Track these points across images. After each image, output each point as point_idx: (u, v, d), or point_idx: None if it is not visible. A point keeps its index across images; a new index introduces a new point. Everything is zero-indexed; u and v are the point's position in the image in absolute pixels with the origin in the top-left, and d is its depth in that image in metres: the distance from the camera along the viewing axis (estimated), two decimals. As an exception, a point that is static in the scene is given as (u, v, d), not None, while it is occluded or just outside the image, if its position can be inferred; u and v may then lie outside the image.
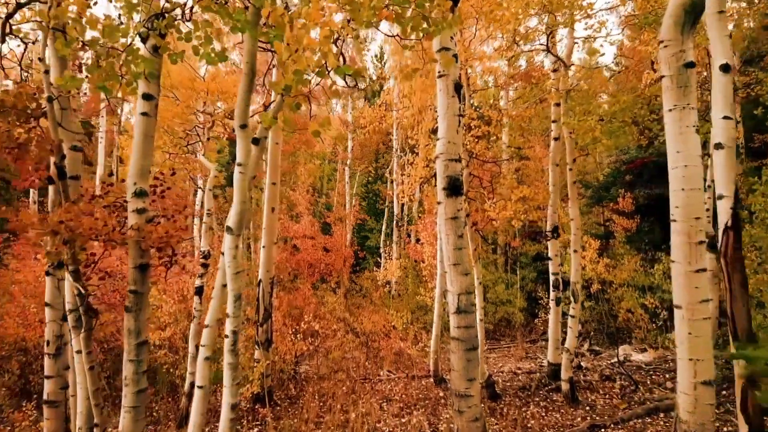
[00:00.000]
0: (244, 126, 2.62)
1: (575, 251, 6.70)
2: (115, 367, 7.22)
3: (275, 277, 11.46)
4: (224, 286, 2.83)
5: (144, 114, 3.00)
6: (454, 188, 4.07)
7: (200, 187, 17.91)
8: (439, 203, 4.16)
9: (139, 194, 2.98)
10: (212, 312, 3.07)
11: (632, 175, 11.75)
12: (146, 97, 2.99)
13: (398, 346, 9.24)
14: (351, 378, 8.13)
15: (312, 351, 9.16)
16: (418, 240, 14.88)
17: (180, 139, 6.09)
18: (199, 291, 5.98)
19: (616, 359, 8.41)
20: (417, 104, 6.43)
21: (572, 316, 6.60)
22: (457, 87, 4.19)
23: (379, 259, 18.30)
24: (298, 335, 7.48)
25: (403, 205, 18.82)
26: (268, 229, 6.90)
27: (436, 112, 6.58)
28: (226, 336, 2.73)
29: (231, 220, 2.65)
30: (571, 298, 6.67)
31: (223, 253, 2.83)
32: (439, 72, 4.24)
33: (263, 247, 6.85)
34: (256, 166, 2.91)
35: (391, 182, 20.47)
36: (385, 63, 28.13)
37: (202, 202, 18.66)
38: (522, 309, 12.64)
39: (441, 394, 7.16)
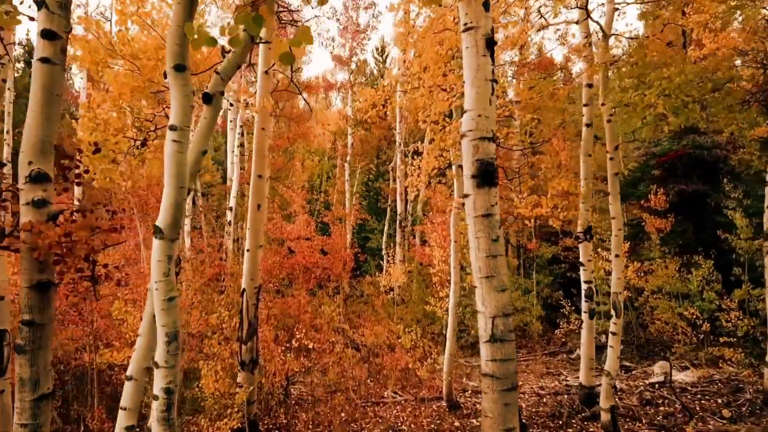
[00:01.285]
0: (181, 68, 1.71)
1: (617, 256, 5.78)
2: (73, 394, 6.31)
3: (263, 285, 10.55)
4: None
5: (45, 61, 2.08)
6: (486, 176, 3.15)
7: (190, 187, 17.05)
8: (465, 196, 3.24)
9: (37, 179, 2.06)
10: (138, 355, 2.15)
11: (662, 169, 10.82)
12: (47, 35, 2.07)
13: (404, 361, 8.31)
14: (351, 401, 7.21)
15: (307, 367, 8.26)
16: (424, 242, 13.97)
17: (147, 122, 5.18)
18: (167, 305, 5.09)
19: (654, 379, 7.48)
20: (429, 81, 5.51)
21: (613, 333, 5.68)
22: (490, 43, 3.26)
23: (381, 261, 17.38)
24: (289, 354, 6.56)
25: (406, 203, 17.91)
26: (253, 230, 6.00)
27: (450, 90, 5.67)
28: (155, 397, 1.81)
29: (161, 217, 1.74)
30: (612, 312, 5.75)
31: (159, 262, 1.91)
32: (465, 24, 3.31)
33: (247, 250, 5.95)
34: (207, 136, 1.99)
35: (394, 180, 19.59)
36: (386, 57, 27.30)
37: (194, 201, 17.84)
38: (539, 317, 11.70)
39: (456, 423, 6.24)
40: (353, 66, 22.24)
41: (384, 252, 17.09)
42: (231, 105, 16.41)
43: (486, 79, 3.22)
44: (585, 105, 6.78)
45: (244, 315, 5.90)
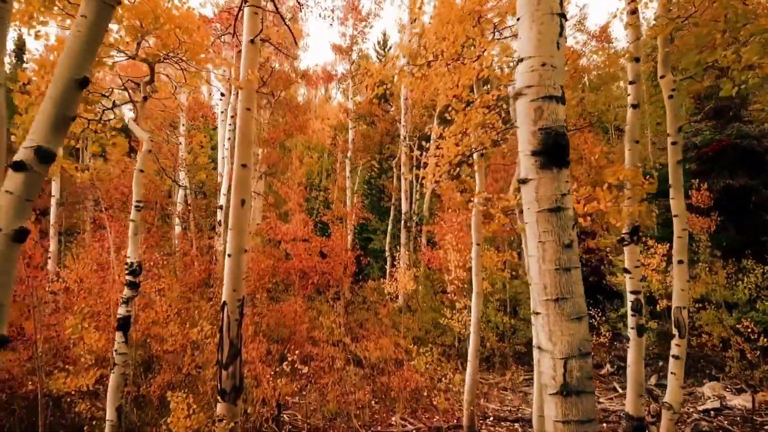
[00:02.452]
0: None
1: (680, 262, 4.84)
2: (24, 425, 5.40)
3: (254, 292, 9.63)
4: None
5: None
6: (555, 151, 2.24)
7: (180, 184, 16.12)
8: (522, 183, 2.32)
9: None
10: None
11: (700, 161, 9.87)
12: None
13: (414, 381, 7.39)
14: (353, 430, 6.30)
15: (302, 387, 7.35)
16: (433, 243, 13.06)
17: (98, 95, 4.22)
18: (124, 325, 4.15)
19: (709, 405, 6.54)
20: (450, 50, 4.58)
21: (676, 357, 4.74)
22: (556, -38, 2.33)
23: (384, 264, 16.46)
24: (280, 380, 5.64)
25: (411, 201, 16.99)
26: (236, 230, 5.07)
27: (477, 59, 4.73)
28: None
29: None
30: (674, 331, 4.81)
31: None
32: (519, -64, 2.39)
33: (228, 255, 5.03)
34: (89, 51, 1.06)
35: (398, 177, 18.68)
36: (388, 51, 26.38)
37: (186, 201, 16.91)
38: (560, 327, 10.74)
39: (481, 463, 5.31)
40: (354, 56, 21.34)
41: (387, 254, 16.18)
42: (222, 95, 15.50)
43: (551, 12, 2.30)
44: (631, 83, 5.84)
45: (225, 334, 4.97)
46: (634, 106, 5.80)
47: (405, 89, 16.43)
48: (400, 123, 17.71)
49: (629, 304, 5.76)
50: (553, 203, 2.18)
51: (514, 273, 10.66)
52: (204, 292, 10.14)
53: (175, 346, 6.30)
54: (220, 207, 12.61)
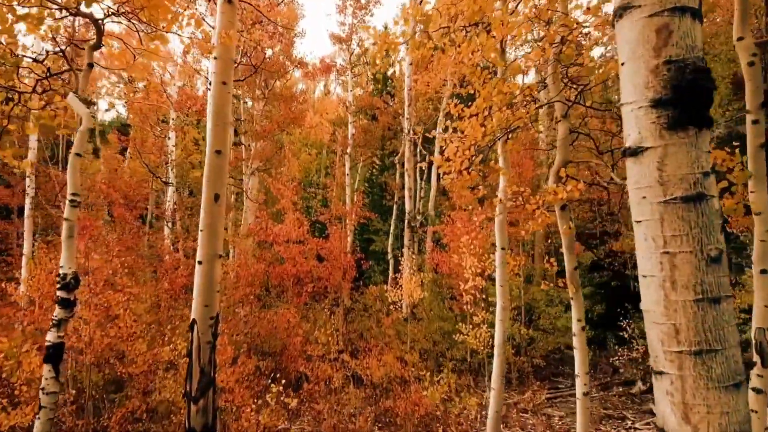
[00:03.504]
0: None
1: (763, 272, 3.97)
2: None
3: (244, 299, 8.77)
4: None
5: None
6: (693, 100, 1.38)
7: (164, 181, 15.26)
8: (631, 155, 1.46)
9: None
10: None
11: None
12: None
13: (424, 405, 6.52)
14: (353, 466, 5.45)
15: (295, 411, 6.50)
16: (442, 246, 12.22)
17: (32, 61, 3.32)
18: (54, 355, 3.28)
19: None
20: (472, 8, 3.73)
21: (758, 391, 3.87)
22: None
23: (386, 268, 15.61)
24: (265, 410, 4.78)
25: (415, 200, 16.14)
26: (208, 232, 4.23)
27: (512, 13, 3.88)
28: None
29: None
30: (756, 357, 3.94)
31: None
32: None
33: (199, 262, 4.19)
34: None
35: (401, 174, 17.84)
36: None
37: (174, 201, 16.04)
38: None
39: None
40: (354, 46, 20.47)
41: (390, 257, 15.32)
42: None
43: None
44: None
45: (195, 359, 4.12)
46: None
47: (408, 79, 15.61)
48: (403, 116, 16.85)
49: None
50: (689, 188, 1.32)
51: (549, 283, 9.81)
52: (188, 299, 9.32)
53: (142, 367, 5.45)
54: (208, 206, 11.76)
